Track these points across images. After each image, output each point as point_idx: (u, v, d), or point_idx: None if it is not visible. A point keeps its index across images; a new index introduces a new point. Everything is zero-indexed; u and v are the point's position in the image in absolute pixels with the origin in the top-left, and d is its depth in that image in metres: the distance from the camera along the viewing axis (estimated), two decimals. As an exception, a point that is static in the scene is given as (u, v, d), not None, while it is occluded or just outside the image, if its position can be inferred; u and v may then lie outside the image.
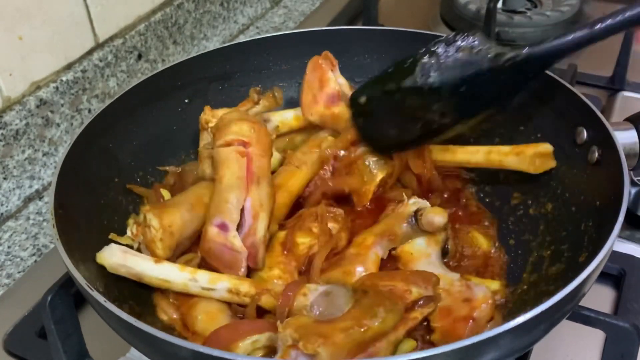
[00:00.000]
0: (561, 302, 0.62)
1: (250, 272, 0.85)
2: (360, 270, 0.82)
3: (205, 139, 0.99)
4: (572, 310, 0.70)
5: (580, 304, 0.70)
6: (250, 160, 0.85)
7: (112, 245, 0.80)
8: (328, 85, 0.95)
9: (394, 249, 0.88)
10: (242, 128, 0.86)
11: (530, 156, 0.91)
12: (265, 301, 0.78)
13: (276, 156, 0.99)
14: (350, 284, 0.79)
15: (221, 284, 0.79)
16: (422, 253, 0.86)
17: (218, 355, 0.58)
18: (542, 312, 0.61)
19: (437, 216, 0.86)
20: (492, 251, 0.91)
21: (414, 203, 0.90)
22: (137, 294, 0.82)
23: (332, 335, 0.64)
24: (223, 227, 0.83)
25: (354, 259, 0.84)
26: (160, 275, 0.79)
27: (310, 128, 1.01)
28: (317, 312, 0.74)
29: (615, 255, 0.93)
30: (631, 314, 0.88)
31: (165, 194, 0.97)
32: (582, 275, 0.65)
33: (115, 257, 0.79)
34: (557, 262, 0.82)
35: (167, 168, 1.02)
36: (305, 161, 0.97)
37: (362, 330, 0.66)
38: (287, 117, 1.03)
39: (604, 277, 0.93)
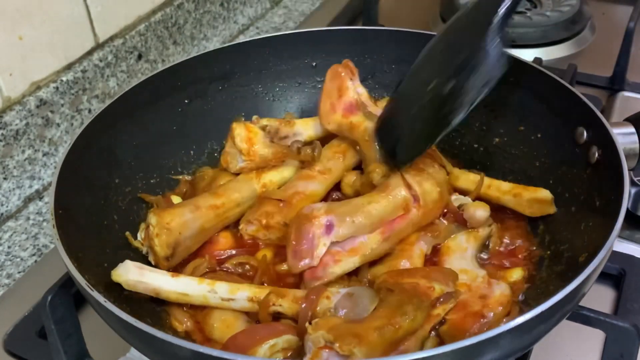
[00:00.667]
0: (561, 302, 0.62)
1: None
2: (406, 266, 0.83)
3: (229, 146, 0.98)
4: (572, 310, 0.70)
5: (580, 304, 0.70)
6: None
7: (127, 262, 0.79)
8: (347, 94, 0.95)
9: (439, 244, 0.88)
10: None
11: (527, 200, 0.89)
12: (288, 307, 0.77)
13: (293, 164, 0.98)
14: (375, 281, 0.79)
15: (241, 293, 0.78)
16: (459, 247, 0.87)
17: (217, 356, 0.58)
18: (542, 312, 0.61)
19: (479, 210, 0.86)
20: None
21: (456, 199, 0.90)
22: (140, 298, 0.82)
23: (366, 335, 0.65)
24: (329, 228, 0.80)
25: (399, 255, 0.84)
26: (178, 289, 0.78)
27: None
28: (342, 314, 0.74)
29: (615, 255, 0.93)
30: (631, 314, 0.87)
31: (176, 199, 0.97)
32: (582, 275, 0.65)
33: (130, 273, 0.77)
34: (557, 262, 0.82)
35: (180, 177, 1.02)
36: (329, 168, 0.96)
37: (395, 328, 0.67)
38: (314, 130, 1.01)
39: (604, 277, 0.93)
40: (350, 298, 0.75)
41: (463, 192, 0.94)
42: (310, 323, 0.69)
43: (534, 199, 0.89)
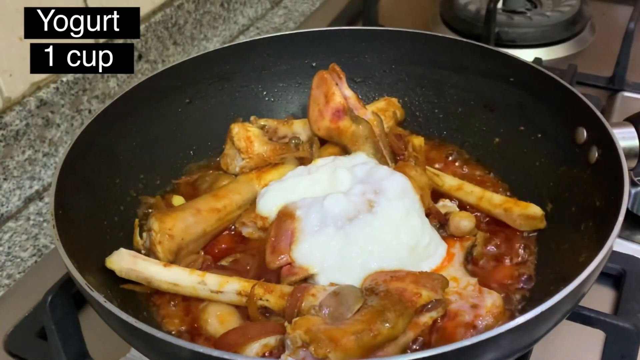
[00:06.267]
0: (561, 302, 0.62)
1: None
2: None
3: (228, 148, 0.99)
4: (572, 310, 0.70)
5: (580, 304, 0.70)
6: None
7: (122, 249, 0.80)
8: (333, 99, 0.94)
9: None
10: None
11: (517, 215, 0.89)
12: (274, 302, 0.77)
13: (293, 163, 0.98)
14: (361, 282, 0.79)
15: (230, 286, 0.79)
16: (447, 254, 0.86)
17: (217, 356, 0.58)
18: (542, 312, 0.61)
19: (464, 220, 0.86)
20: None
21: (442, 206, 0.89)
22: (137, 299, 0.82)
23: (342, 339, 0.64)
24: None
25: None
26: (169, 279, 0.79)
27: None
28: (326, 312, 0.73)
29: (615, 255, 0.93)
30: (631, 314, 0.87)
31: (179, 200, 0.97)
32: (582, 275, 0.65)
33: (124, 261, 0.79)
34: (557, 262, 0.82)
35: (181, 178, 1.02)
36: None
37: (373, 334, 0.66)
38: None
39: (604, 277, 0.93)
40: (336, 297, 0.74)
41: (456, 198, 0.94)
42: (290, 322, 0.69)
43: (524, 214, 0.89)
